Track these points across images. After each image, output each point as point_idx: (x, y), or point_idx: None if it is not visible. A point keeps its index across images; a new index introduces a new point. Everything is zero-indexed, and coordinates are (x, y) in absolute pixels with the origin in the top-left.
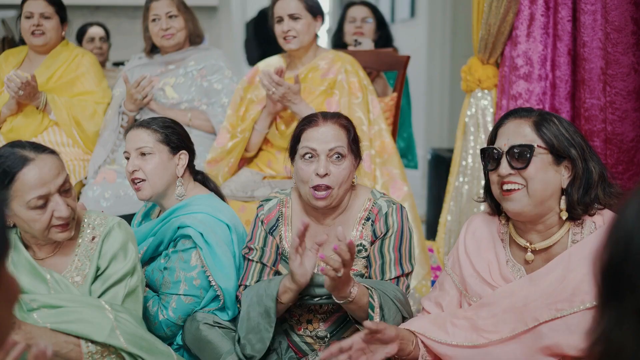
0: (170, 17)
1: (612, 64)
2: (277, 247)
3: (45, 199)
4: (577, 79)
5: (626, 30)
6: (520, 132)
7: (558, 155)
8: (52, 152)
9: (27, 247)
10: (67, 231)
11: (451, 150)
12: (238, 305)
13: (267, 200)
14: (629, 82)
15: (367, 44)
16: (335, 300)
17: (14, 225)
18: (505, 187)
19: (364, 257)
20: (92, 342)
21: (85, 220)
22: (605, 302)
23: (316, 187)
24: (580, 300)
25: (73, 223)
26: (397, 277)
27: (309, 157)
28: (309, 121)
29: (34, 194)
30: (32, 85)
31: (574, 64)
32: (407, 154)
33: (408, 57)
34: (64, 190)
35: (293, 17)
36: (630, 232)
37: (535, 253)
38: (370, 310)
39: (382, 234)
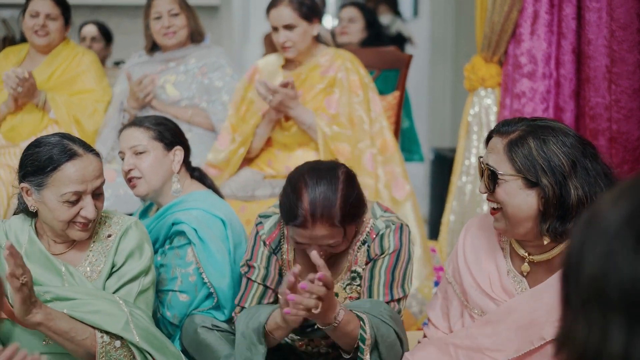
0: (172, 15)
1: (618, 62)
2: (280, 269)
3: (79, 196)
4: (581, 77)
5: (632, 28)
6: (496, 152)
7: (529, 179)
8: (98, 154)
9: (40, 237)
10: (86, 231)
11: (454, 150)
12: (232, 326)
13: (266, 217)
14: (635, 80)
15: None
16: (320, 326)
17: (35, 213)
18: (489, 204)
19: (358, 285)
20: (107, 333)
21: (102, 217)
22: (564, 306)
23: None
24: None
25: (93, 225)
26: (387, 303)
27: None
28: (294, 216)
29: (71, 189)
30: (31, 82)
31: (579, 62)
32: (410, 147)
33: (410, 56)
34: (97, 193)
35: (288, 27)
36: (572, 239)
37: (535, 264)
38: (361, 344)
39: (376, 256)
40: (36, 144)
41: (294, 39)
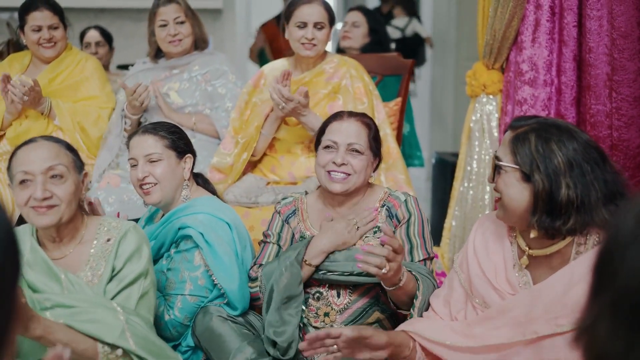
0: (178, 22)
1: (618, 70)
2: (292, 235)
3: (29, 177)
4: (582, 84)
5: (632, 36)
6: (503, 144)
7: (525, 173)
8: (63, 143)
9: (41, 245)
10: (44, 215)
11: (455, 155)
12: (250, 284)
13: (285, 198)
14: (635, 88)
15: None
16: (384, 287)
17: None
18: (495, 194)
19: (379, 238)
20: (106, 343)
21: (101, 223)
22: (591, 296)
23: (332, 172)
24: None
25: (56, 212)
26: (424, 260)
27: (330, 149)
28: (335, 116)
29: (20, 169)
30: (37, 90)
31: (580, 69)
32: (411, 152)
33: (413, 62)
34: (53, 174)
35: (317, 25)
36: (619, 232)
37: (536, 260)
38: (417, 291)
39: (406, 219)
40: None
41: (320, 38)
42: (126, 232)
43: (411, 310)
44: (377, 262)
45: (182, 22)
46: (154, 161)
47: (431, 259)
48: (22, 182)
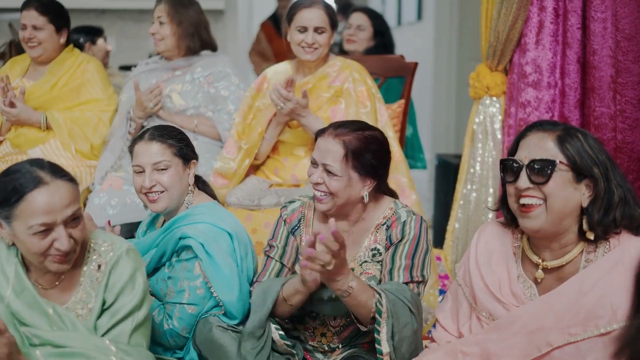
0: (160, 23)
1: (623, 72)
2: (297, 248)
3: (49, 227)
4: (586, 87)
5: (637, 39)
6: (543, 146)
7: (580, 173)
8: (71, 179)
9: (28, 271)
10: (64, 263)
11: (458, 156)
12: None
13: (291, 202)
14: None
15: None
16: (335, 293)
17: (13, 244)
18: (522, 200)
19: (378, 262)
20: None
21: (92, 244)
22: (634, 311)
23: (315, 189)
24: (594, 325)
25: (73, 256)
26: (406, 283)
27: (313, 165)
28: (321, 131)
29: (39, 220)
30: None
31: (584, 71)
32: (413, 155)
33: (416, 64)
34: (72, 220)
35: (318, 30)
36: None
37: (547, 271)
38: (377, 316)
39: (397, 241)
40: (5, 173)
41: (321, 42)
42: (118, 260)
43: (376, 335)
44: (325, 259)
45: (162, 23)
46: (162, 169)
47: (418, 283)
48: (43, 230)
